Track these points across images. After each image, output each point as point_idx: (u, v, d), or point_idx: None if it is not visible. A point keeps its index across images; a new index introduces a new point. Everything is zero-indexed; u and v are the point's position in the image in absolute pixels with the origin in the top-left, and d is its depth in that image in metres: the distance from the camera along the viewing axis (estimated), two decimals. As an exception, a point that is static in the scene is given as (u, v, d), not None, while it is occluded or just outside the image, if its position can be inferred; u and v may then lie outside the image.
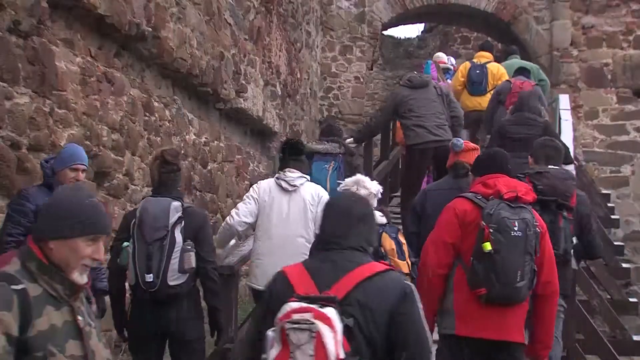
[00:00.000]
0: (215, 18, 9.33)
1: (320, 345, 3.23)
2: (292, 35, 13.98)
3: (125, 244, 5.66)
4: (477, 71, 11.80)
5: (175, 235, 5.59)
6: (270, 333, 3.35)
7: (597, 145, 16.59)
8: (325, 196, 6.69)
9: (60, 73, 6.01)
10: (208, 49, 9.06)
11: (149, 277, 5.49)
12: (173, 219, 5.61)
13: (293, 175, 6.71)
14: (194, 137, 9.08)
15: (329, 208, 3.81)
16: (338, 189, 6.53)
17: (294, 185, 6.68)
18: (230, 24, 10.02)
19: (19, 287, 2.93)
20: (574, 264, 6.83)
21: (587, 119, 16.68)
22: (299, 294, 3.39)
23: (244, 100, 10.65)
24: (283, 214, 6.65)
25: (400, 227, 8.00)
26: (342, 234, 3.59)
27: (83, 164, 5.56)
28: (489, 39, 20.85)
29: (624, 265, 11.28)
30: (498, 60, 12.63)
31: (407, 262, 6.44)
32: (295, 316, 3.27)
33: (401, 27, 26.06)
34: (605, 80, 16.74)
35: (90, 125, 6.49)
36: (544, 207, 5.89)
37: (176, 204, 5.64)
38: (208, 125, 9.75)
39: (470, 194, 5.42)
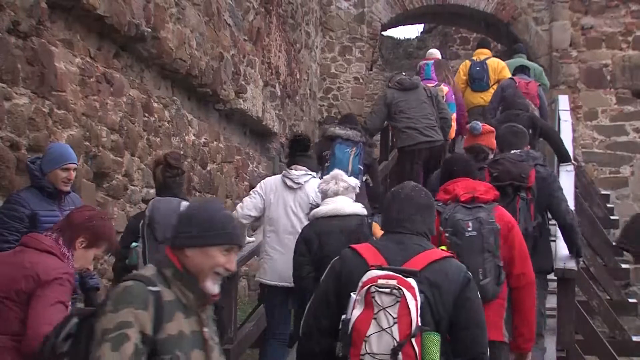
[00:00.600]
0: (214, 19, 9.33)
1: (404, 310, 3.51)
2: (292, 36, 13.98)
3: (134, 244, 5.68)
4: (478, 68, 11.96)
5: None
6: (353, 295, 3.59)
7: (596, 146, 16.59)
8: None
9: (59, 74, 6.01)
10: (207, 49, 9.06)
11: None
12: None
13: (298, 173, 6.97)
14: (193, 137, 9.08)
15: (394, 195, 4.09)
16: (316, 187, 6.56)
17: (299, 183, 6.94)
18: (229, 25, 10.02)
19: (155, 289, 3.03)
20: (559, 247, 7.13)
21: (587, 119, 16.69)
22: (375, 264, 3.67)
23: (243, 101, 10.65)
24: (289, 210, 6.90)
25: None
26: (408, 219, 3.93)
27: (74, 163, 5.51)
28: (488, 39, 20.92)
29: (623, 266, 11.25)
30: (503, 58, 12.71)
31: None
32: (381, 281, 3.56)
33: (401, 27, 26.09)
34: (604, 81, 16.74)
35: (90, 126, 6.49)
36: (502, 192, 5.95)
37: (186, 203, 5.56)
38: (207, 125, 9.75)
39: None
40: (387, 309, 3.52)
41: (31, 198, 5.30)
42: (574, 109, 15.96)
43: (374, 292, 3.55)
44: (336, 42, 17.45)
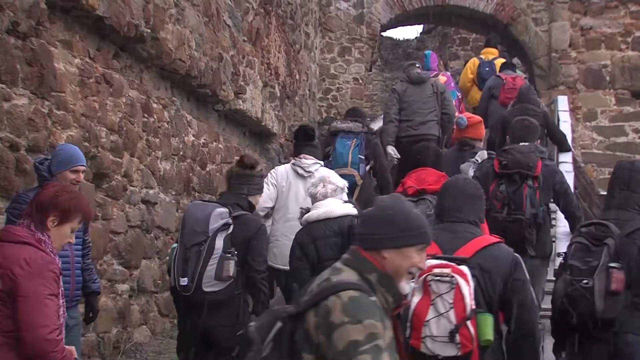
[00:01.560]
0: (214, 19, 9.33)
1: (459, 296, 3.85)
2: (291, 36, 13.98)
3: (174, 245, 5.73)
4: (487, 68, 12.11)
5: (216, 241, 5.53)
6: (412, 284, 3.61)
7: (595, 147, 16.61)
8: (337, 181, 6.82)
9: (58, 74, 6.01)
10: (207, 50, 9.06)
11: (184, 281, 5.48)
12: (215, 225, 5.56)
13: (308, 162, 7.44)
14: (192, 138, 9.08)
15: (446, 187, 4.51)
16: (309, 190, 6.56)
17: (309, 172, 7.37)
18: (229, 26, 10.02)
19: (374, 298, 3.02)
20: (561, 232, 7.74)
21: (586, 120, 16.70)
22: (430, 253, 3.77)
23: (242, 101, 10.65)
24: (299, 198, 7.23)
25: None
26: (459, 208, 4.32)
27: (83, 165, 5.56)
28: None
29: (623, 266, 11.25)
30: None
31: None
32: (437, 270, 3.89)
33: (400, 28, 26.10)
34: (603, 82, 16.76)
35: (89, 127, 6.49)
36: (509, 179, 6.69)
37: (221, 210, 5.60)
38: (207, 126, 9.75)
39: None
40: (443, 296, 3.85)
41: None
42: (573, 110, 15.98)
43: (431, 280, 3.88)
44: (335, 42, 17.46)
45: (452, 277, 3.87)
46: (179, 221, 8.56)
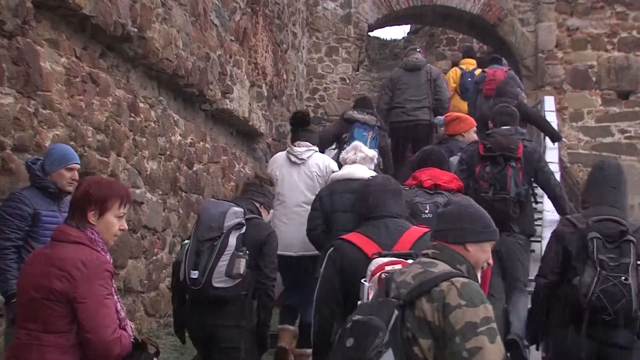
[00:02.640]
0: (201, 19, 9.31)
1: None
2: (278, 36, 13.97)
3: (186, 241, 5.84)
4: (469, 79, 12.63)
5: (229, 238, 5.62)
6: (365, 283, 4.01)
7: (581, 147, 16.68)
8: (333, 166, 7.85)
9: (44, 73, 5.99)
10: (194, 49, 9.05)
11: (194, 274, 5.56)
12: (230, 222, 5.65)
13: (301, 149, 7.87)
14: (179, 138, 9.06)
15: (368, 185, 4.81)
16: (341, 155, 7.43)
17: (302, 159, 7.83)
18: (216, 25, 10.00)
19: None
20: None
21: (572, 120, 16.78)
22: (375, 252, 4.17)
23: (229, 101, 10.64)
24: (293, 184, 7.76)
25: None
26: (384, 204, 4.61)
27: (78, 163, 5.63)
28: (475, 40, 20.98)
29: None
30: (483, 64, 13.07)
31: None
32: (389, 267, 3.97)
33: (387, 28, 26.12)
34: (590, 82, 16.83)
35: (75, 126, 6.47)
36: (493, 161, 7.14)
37: (236, 209, 5.71)
38: (194, 126, 9.73)
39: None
40: None
41: (34, 198, 5.37)
42: (560, 110, 16.05)
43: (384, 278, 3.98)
44: (323, 42, 17.46)
45: None
46: (165, 221, 8.56)
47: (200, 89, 9.38)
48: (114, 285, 3.95)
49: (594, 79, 16.84)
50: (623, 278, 4.95)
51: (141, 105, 7.96)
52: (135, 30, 7.43)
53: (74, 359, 3.73)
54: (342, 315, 4.25)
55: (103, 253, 3.90)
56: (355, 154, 7.21)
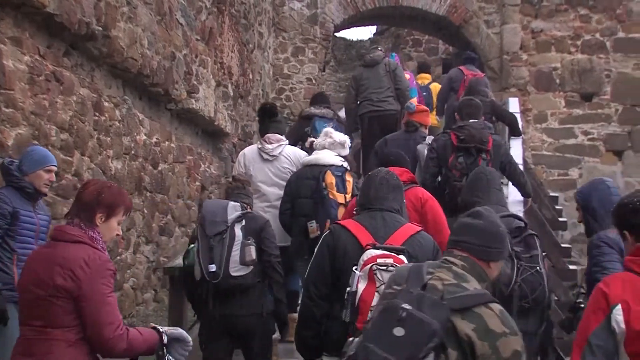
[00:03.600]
0: (166, 18, 9.27)
1: None
2: (244, 36, 13.95)
3: (192, 246, 6.23)
4: (425, 93, 13.07)
5: (235, 230, 6.08)
6: (356, 272, 4.30)
7: (545, 149, 16.84)
8: (303, 156, 8.04)
9: (7, 72, 5.93)
10: (159, 49, 9.00)
11: (212, 267, 5.92)
12: (232, 215, 6.13)
13: (271, 146, 8.07)
14: (144, 137, 9.01)
15: (370, 178, 4.92)
16: (315, 141, 7.85)
17: (274, 155, 8.06)
18: (181, 24, 9.97)
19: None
20: None
21: (536, 122, 16.93)
22: (370, 243, 4.41)
23: (195, 100, 10.60)
24: (267, 179, 7.98)
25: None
26: (385, 198, 4.75)
27: (55, 165, 5.71)
28: (440, 42, 21.06)
29: (571, 267, 11.39)
30: (448, 66, 13.39)
31: (344, 195, 7.37)
32: (380, 260, 4.28)
33: (353, 29, 26.16)
34: (553, 84, 17.00)
35: (39, 125, 6.42)
36: (466, 152, 7.61)
37: (235, 203, 6.22)
38: (159, 125, 9.68)
39: None
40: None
41: (13, 197, 5.41)
42: (524, 112, 16.20)
43: (376, 269, 4.26)
44: (289, 42, 17.45)
45: (395, 266, 4.21)
46: (130, 221, 8.51)
47: (165, 88, 9.34)
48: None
49: (557, 81, 17.01)
50: (538, 268, 5.37)
51: (106, 104, 7.91)
52: (100, 29, 7.38)
53: (80, 351, 3.86)
54: (329, 296, 4.54)
55: (104, 252, 4.04)
56: (324, 139, 7.65)
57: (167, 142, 9.93)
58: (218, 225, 6.07)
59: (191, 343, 4.19)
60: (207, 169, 11.92)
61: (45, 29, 6.69)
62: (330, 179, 7.34)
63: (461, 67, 12.17)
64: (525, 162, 12.88)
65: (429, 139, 8.91)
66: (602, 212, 5.57)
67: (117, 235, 4.27)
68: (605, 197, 5.58)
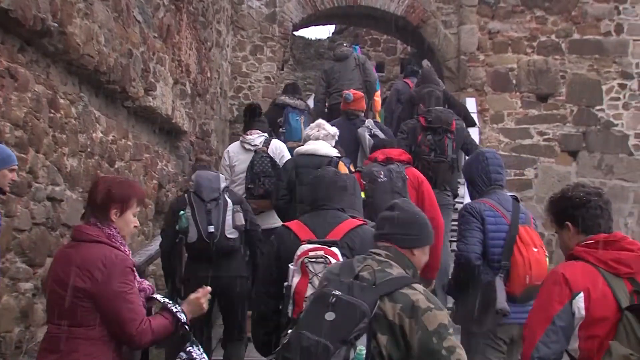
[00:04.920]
0: (123, 15, 9.21)
1: None
2: (203, 34, 13.90)
3: (182, 212, 6.85)
4: None
5: (226, 197, 6.97)
6: (291, 266, 4.60)
7: (502, 149, 16.98)
8: (282, 148, 9.08)
9: (-39, 67, 5.86)
10: (116, 46, 8.94)
11: (211, 228, 6.71)
12: (222, 184, 7.07)
13: (252, 137, 8.95)
14: (101, 135, 8.94)
15: (318, 179, 5.26)
16: (306, 132, 8.68)
17: (255, 144, 8.90)
18: (139, 22, 9.90)
19: None
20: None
21: (493, 122, 17.08)
22: (306, 239, 4.72)
23: (152, 98, 10.54)
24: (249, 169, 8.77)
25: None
26: (329, 198, 5.10)
27: (17, 165, 5.75)
28: (398, 41, 21.16)
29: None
30: (413, 61, 13.89)
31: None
32: (312, 253, 4.58)
33: (312, 28, 26.22)
34: (510, 85, 17.17)
35: (-8, 122, 6.34)
36: (434, 132, 8.80)
37: (222, 175, 7.21)
38: (115, 123, 9.61)
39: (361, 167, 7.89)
40: (318, 274, 4.45)
41: None
42: (481, 112, 16.36)
43: (307, 262, 4.54)
44: (247, 41, 17.43)
45: (326, 257, 4.54)
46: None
47: (122, 85, 9.27)
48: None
49: (514, 81, 17.18)
50: None
51: (61, 101, 7.83)
52: (56, 25, 7.30)
53: (106, 348, 4.00)
54: (278, 294, 4.74)
55: (123, 248, 4.16)
56: (318, 130, 8.32)
57: (123, 140, 9.86)
58: (213, 191, 6.87)
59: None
60: (165, 167, 11.85)
61: (-1, 25, 6.61)
62: (343, 168, 7.82)
63: (406, 80, 12.87)
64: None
65: (369, 122, 9.96)
66: (479, 183, 6.14)
67: (135, 227, 4.36)
68: (483, 168, 6.13)
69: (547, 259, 5.74)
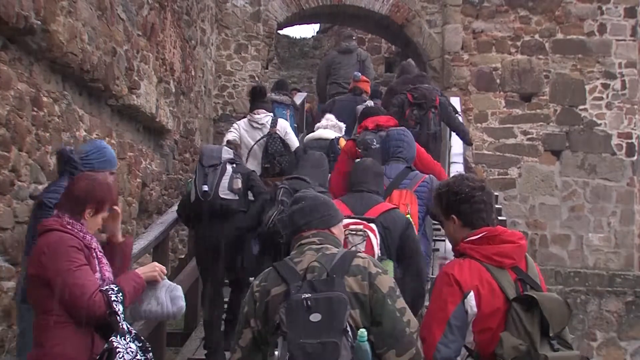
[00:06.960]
0: (107, 13, 9.17)
1: (369, 246, 5.11)
2: (187, 32, 13.87)
3: (189, 180, 8.30)
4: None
5: (227, 166, 7.88)
6: None
7: (486, 148, 17.04)
8: (286, 126, 10.17)
9: (-57, 65, 5.82)
10: (100, 44, 8.90)
11: (205, 187, 7.65)
12: (226, 155, 8.03)
13: (259, 116, 10.09)
14: (84, 133, 8.90)
15: (358, 165, 6.18)
16: (321, 124, 10.67)
17: (262, 123, 10.03)
18: (123, 20, 9.87)
19: None
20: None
21: (477, 121, 17.12)
22: (346, 215, 4.96)
23: (136, 97, 10.51)
24: (256, 144, 9.92)
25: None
26: (366, 182, 5.92)
27: None
28: (383, 41, 21.13)
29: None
30: (397, 61, 14.29)
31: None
32: (352, 226, 5.10)
33: (297, 26, 26.22)
34: (494, 84, 17.22)
35: (-25, 120, 6.31)
36: (419, 107, 9.86)
37: (227, 148, 8.21)
38: (99, 121, 9.57)
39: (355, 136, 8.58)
40: (357, 245, 5.00)
41: None
42: (465, 111, 16.38)
43: (348, 234, 4.96)
44: (232, 39, 17.40)
45: (365, 231, 5.07)
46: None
47: (106, 84, 9.24)
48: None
49: (498, 81, 17.23)
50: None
51: (45, 99, 7.79)
52: (39, 22, 7.27)
53: (75, 331, 4.07)
54: None
55: (82, 234, 4.22)
56: (327, 122, 10.51)
57: (107, 138, 9.81)
58: (213, 160, 7.85)
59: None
60: (148, 166, 11.82)
61: (-19, 22, 6.57)
62: (344, 142, 8.96)
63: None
64: (466, 160, 13.06)
65: (369, 102, 11.30)
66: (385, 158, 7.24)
67: (98, 229, 4.43)
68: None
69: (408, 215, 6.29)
